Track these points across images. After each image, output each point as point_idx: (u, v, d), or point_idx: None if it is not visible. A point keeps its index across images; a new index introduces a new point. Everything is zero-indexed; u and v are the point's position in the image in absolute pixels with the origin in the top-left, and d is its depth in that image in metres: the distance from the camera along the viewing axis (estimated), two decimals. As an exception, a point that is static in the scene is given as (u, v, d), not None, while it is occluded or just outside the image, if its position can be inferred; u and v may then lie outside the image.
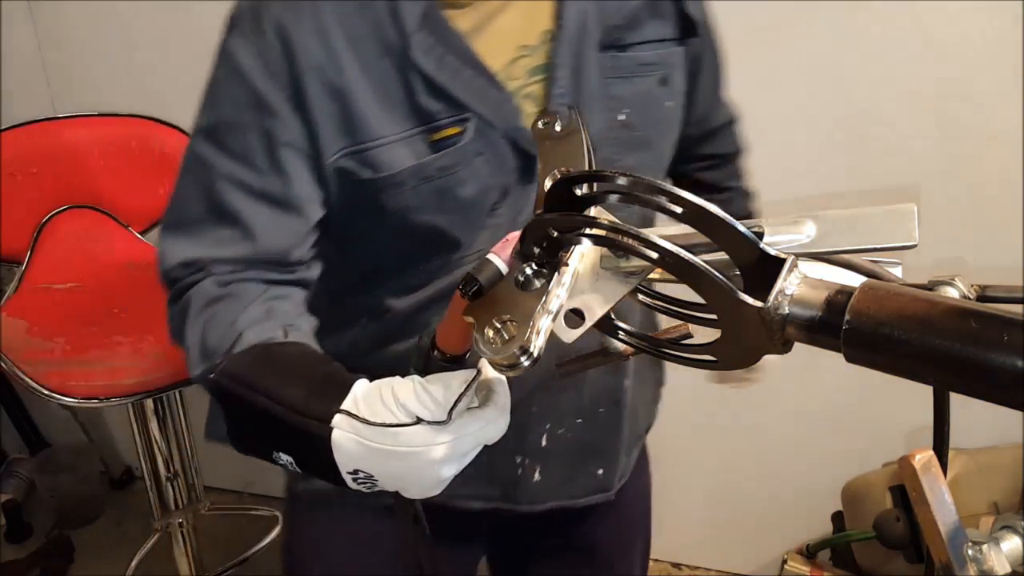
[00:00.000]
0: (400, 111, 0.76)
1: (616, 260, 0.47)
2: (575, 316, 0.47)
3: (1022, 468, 1.51)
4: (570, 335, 0.47)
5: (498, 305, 0.47)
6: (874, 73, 1.55)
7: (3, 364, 1.31)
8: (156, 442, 1.57)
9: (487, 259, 0.48)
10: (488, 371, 0.53)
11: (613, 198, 0.46)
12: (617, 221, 0.44)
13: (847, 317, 0.37)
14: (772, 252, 0.40)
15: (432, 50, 0.75)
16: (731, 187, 1.12)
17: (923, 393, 0.43)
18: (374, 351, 0.90)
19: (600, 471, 0.97)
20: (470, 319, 0.48)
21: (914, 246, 0.45)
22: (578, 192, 0.46)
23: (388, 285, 0.87)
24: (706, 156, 1.09)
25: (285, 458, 0.57)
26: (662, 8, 0.85)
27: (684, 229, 0.43)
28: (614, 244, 0.44)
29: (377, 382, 0.55)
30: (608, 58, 0.82)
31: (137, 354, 1.39)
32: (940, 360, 0.35)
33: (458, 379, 0.52)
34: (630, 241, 0.42)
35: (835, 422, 1.83)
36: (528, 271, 0.47)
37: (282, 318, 0.69)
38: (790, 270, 0.40)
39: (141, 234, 1.68)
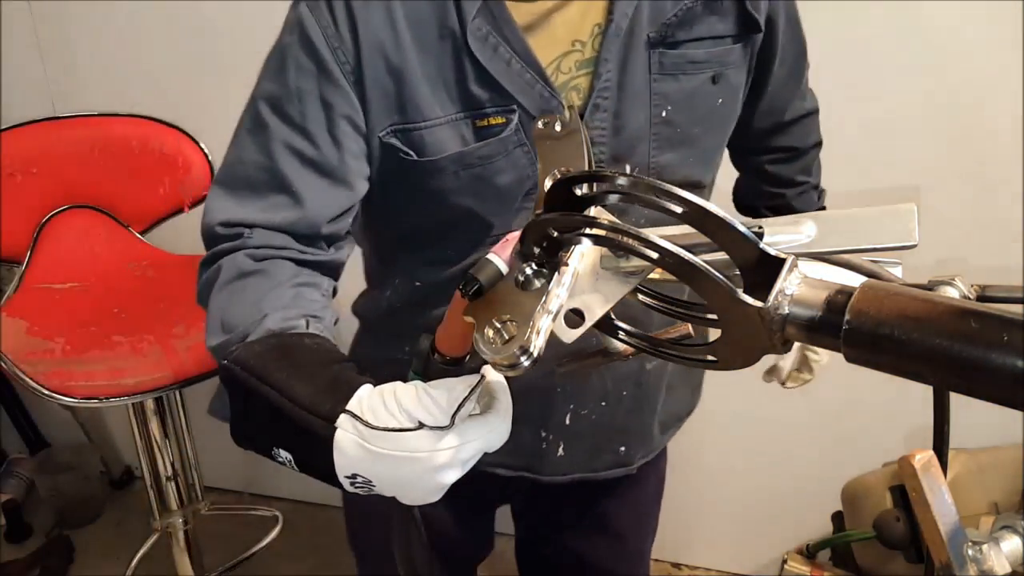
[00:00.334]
0: (450, 94, 0.78)
1: (616, 260, 0.47)
2: (575, 316, 0.47)
3: (1022, 468, 1.51)
4: (570, 335, 0.47)
5: (498, 305, 0.47)
6: (874, 73, 1.55)
7: (3, 364, 1.31)
8: (156, 442, 1.57)
9: (487, 259, 0.48)
10: (491, 377, 0.53)
11: (613, 198, 0.46)
12: (617, 221, 0.44)
13: (847, 317, 0.37)
14: (772, 252, 0.40)
15: (487, 39, 0.77)
16: (801, 182, 1.10)
17: (923, 393, 0.43)
18: (407, 312, 0.93)
19: (623, 448, 1.00)
20: (470, 319, 0.48)
21: (914, 246, 0.45)
22: (578, 192, 0.46)
23: (420, 256, 0.90)
24: (777, 148, 1.07)
25: (284, 455, 0.57)
26: (721, 6, 0.84)
27: (684, 229, 0.43)
28: (614, 244, 0.44)
29: (381, 386, 0.55)
30: (657, 55, 0.82)
31: (137, 354, 1.39)
32: (940, 360, 0.35)
33: (461, 384, 0.52)
34: (630, 241, 0.42)
35: (835, 422, 1.83)
36: (528, 271, 0.47)
37: (307, 307, 0.70)
38: (790, 270, 0.40)
39: (141, 234, 1.68)
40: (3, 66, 2.02)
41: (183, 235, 1.60)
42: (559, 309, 0.45)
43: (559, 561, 1.17)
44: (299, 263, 0.77)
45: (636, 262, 0.46)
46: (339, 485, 0.54)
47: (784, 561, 1.71)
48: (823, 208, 1.14)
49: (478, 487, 0.94)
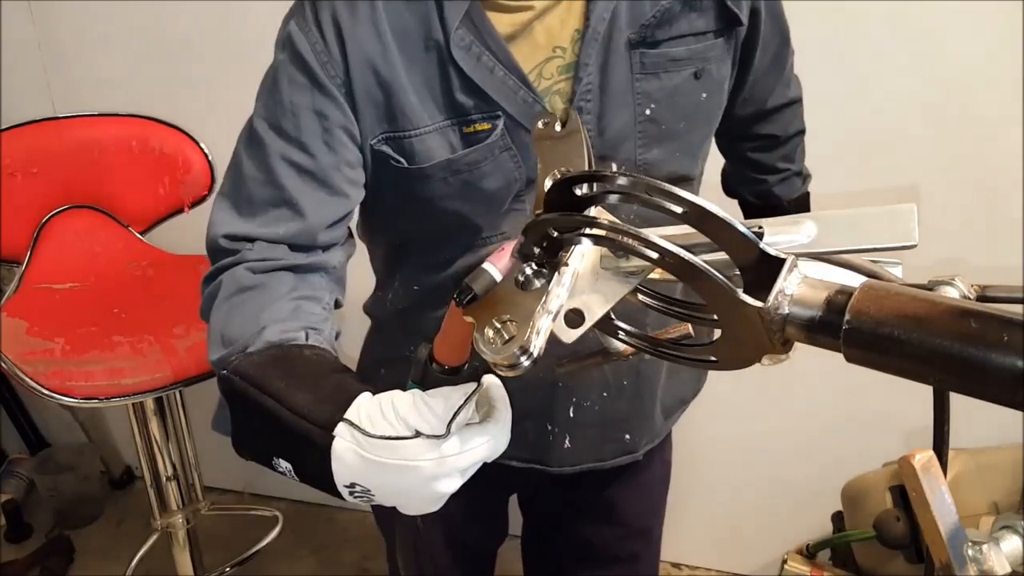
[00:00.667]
0: (437, 103, 0.81)
1: (616, 260, 0.47)
2: (575, 316, 0.47)
3: (1022, 468, 1.51)
4: (570, 335, 0.47)
5: (498, 305, 0.47)
6: (874, 73, 1.55)
7: (3, 364, 1.31)
8: (156, 442, 1.57)
9: (482, 268, 0.48)
10: (491, 386, 0.53)
11: (613, 198, 0.46)
12: (617, 221, 0.44)
13: (847, 317, 0.37)
14: (772, 252, 0.40)
15: (470, 49, 0.79)
16: (782, 169, 1.10)
17: (923, 393, 0.43)
18: (409, 314, 0.96)
19: (627, 436, 1.02)
20: (470, 319, 0.48)
21: (914, 246, 0.45)
22: (578, 192, 0.46)
23: (415, 261, 0.94)
24: (760, 136, 1.08)
25: (284, 465, 0.57)
26: (700, 3, 0.85)
27: (684, 229, 0.43)
28: (614, 244, 0.44)
29: (379, 395, 0.55)
30: (638, 55, 0.84)
31: (137, 354, 1.39)
32: (940, 360, 0.35)
33: (458, 393, 0.52)
34: (630, 241, 0.42)
35: (835, 422, 1.83)
36: (528, 271, 0.47)
37: (306, 319, 0.71)
38: (790, 270, 0.40)
39: (141, 234, 1.68)
40: (3, 66, 2.02)
41: (183, 235, 1.60)
42: (559, 309, 0.45)
43: (566, 548, 1.19)
44: (299, 270, 0.78)
45: (636, 262, 0.46)
46: (338, 495, 0.54)
47: (784, 561, 1.70)
48: (806, 193, 1.15)
49: (491, 479, 0.97)
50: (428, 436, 0.50)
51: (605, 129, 0.84)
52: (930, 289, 0.41)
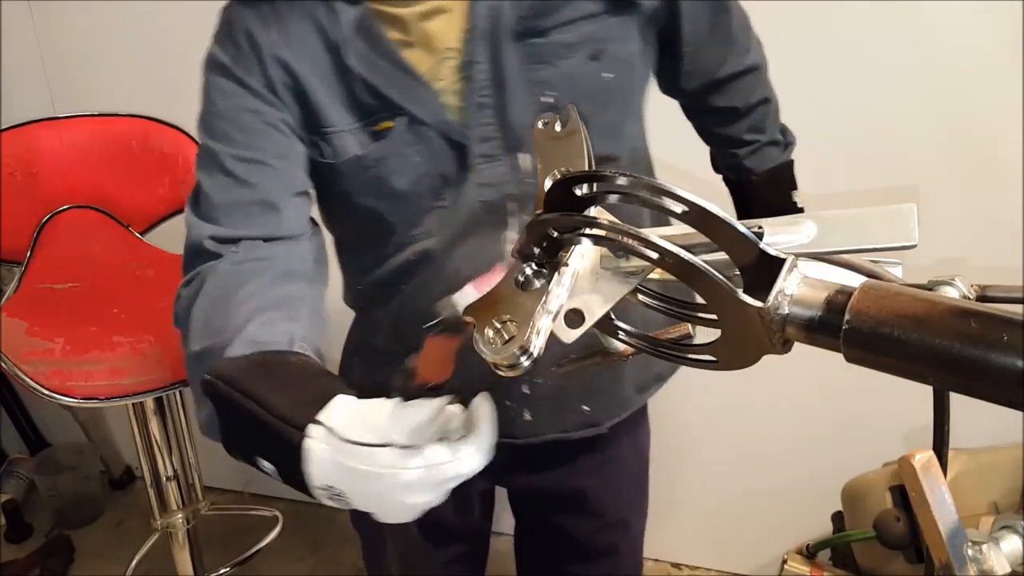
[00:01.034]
0: (345, 105, 0.86)
1: (616, 260, 0.47)
2: (575, 316, 0.47)
3: (1022, 468, 1.51)
4: (570, 335, 0.47)
5: (498, 305, 0.47)
6: (874, 73, 1.55)
7: (3, 364, 1.31)
8: (156, 442, 1.57)
9: (450, 298, 0.49)
10: (479, 404, 0.53)
11: (613, 198, 0.46)
12: (617, 221, 0.44)
13: (847, 317, 0.37)
14: (772, 252, 0.40)
15: (366, 56, 0.84)
16: (750, 140, 1.09)
17: (923, 393, 0.43)
18: (361, 312, 1.03)
19: (586, 408, 1.02)
20: (470, 319, 0.48)
21: (914, 246, 0.45)
22: (578, 192, 0.46)
23: (349, 259, 1.00)
24: (718, 109, 1.07)
25: (268, 466, 0.57)
26: None
27: (684, 229, 0.43)
28: (614, 244, 0.44)
29: (362, 401, 0.55)
30: (527, 46, 0.85)
31: (137, 354, 1.39)
32: (940, 360, 0.35)
33: (431, 406, 0.52)
34: (630, 241, 0.42)
35: (835, 422, 1.83)
36: (528, 271, 0.47)
37: (290, 317, 0.71)
38: (790, 270, 0.40)
39: (141, 234, 1.68)
40: (3, 66, 2.02)
41: (183, 235, 1.60)
42: (559, 309, 0.45)
43: (548, 541, 1.21)
44: (279, 260, 0.80)
45: (636, 262, 0.46)
46: (314, 496, 0.54)
47: (784, 561, 1.70)
48: (788, 162, 1.13)
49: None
50: (399, 446, 0.50)
51: (508, 122, 0.87)
52: (930, 289, 0.41)
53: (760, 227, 0.47)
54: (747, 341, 0.41)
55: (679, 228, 0.45)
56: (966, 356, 0.34)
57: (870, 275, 0.44)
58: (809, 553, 1.71)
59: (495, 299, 0.47)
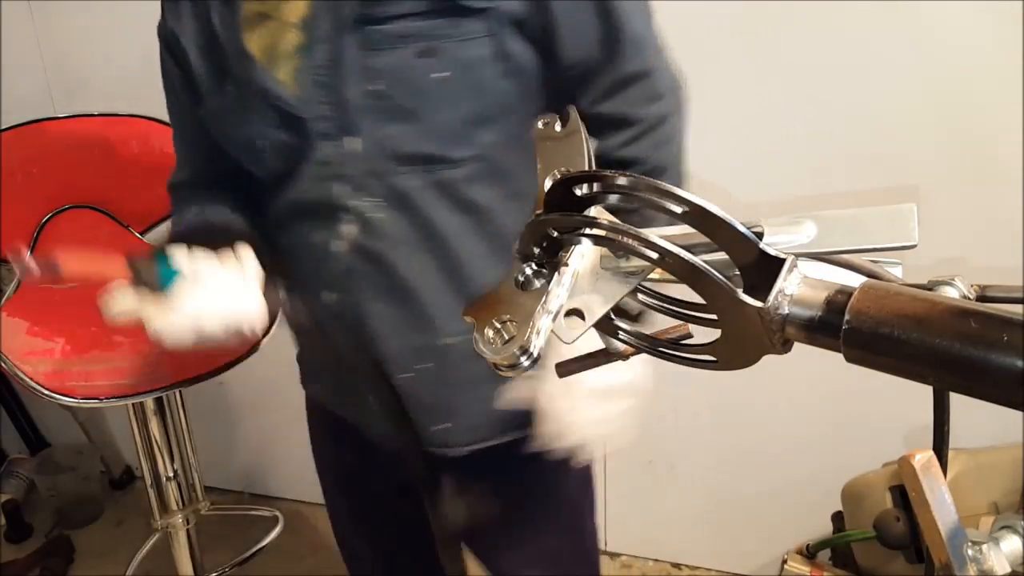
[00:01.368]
0: (210, 67, 0.98)
1: (616, 260, 0.47)
2: (575, 316, 0.47)
3: (1022, 468, 1.51)
4: (570, 335, 0.47)
5: (498, 305, 0.47)
6: (874, 73, 1.55)
7: (3, 364, 1.31)
8: (156, 442, 1.57)
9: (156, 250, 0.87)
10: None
11: (613, 198, 0.46)
12: (617, 221, 0.44)
13: (847, 317, 0.37)
14: (772, 252, 0.40)
15: (217, 38, 0.95)
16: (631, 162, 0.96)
17: (923, 393, 0.43)
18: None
19: (448, 424, 1.03)
20: (470, 319, 0.48)
21: (914, 246, 0.45)
22: (578, 192, 0.46)
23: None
24: (611, 119, 0.95)
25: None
26: None
27: (684, 229, 0.43)
28: (614, 244, 0.44)
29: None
30: (367, 31, 0.88)
31: (137, 354, 1.39)
32: (940, 360, 0.35)
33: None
34: (630, 241, 0.42)
35: (835, 422, 1.83)
36: (528, 271, 0.47)
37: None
38: (790, 270, 0.40)
39: (141, 234, 1.68)
40: (3, 66, 2.02)
41: (183, 235, 1.60)
42: (559, 309, 0.45)
43: (482, 546, 1.22)
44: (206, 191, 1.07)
45: (636, 262, 0.46)
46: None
47: (784, 561, 1.71)
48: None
49: (385, 467, 1.15)
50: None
51: (342, 103, 0.90)
52: (930, 289, 0.41)
53: (760, 227, 0.47)
54: (747, 341, 0.41)
55: (679, 228, 0.45)
56: (966, 356, 0.34)
57: (870, 275, 0.44)
58: (809, 553, 1.72)
59: (495, 299, 0.47)
